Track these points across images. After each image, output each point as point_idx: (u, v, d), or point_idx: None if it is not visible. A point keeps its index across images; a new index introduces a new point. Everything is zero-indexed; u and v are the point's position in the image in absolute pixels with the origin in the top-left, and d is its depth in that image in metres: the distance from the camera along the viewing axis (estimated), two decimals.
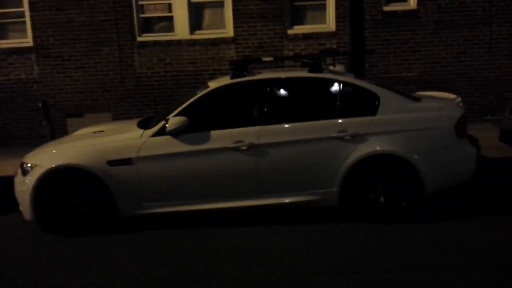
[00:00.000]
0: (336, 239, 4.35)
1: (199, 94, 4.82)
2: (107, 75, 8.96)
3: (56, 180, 4.65)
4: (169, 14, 8.87)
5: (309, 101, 4.85)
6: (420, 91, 7.70)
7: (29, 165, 4.78)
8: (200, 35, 8.88)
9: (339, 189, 4.63)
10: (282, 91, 4.85)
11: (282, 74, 4.97)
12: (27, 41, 8.89)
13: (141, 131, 4.80)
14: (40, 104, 7.10)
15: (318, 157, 4.60)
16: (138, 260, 4.14)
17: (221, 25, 8.93)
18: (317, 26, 8.89)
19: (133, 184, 4.65)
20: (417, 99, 4.92)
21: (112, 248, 4.43)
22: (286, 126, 4.65)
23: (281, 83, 4.86)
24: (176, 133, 4.63)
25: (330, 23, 8.87)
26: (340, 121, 4.63)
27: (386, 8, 8.72)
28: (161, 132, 4.67)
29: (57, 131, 7.71)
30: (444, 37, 8.74)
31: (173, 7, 8.81)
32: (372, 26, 8.68)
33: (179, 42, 8.83)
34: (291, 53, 8.77)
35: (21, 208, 4.83)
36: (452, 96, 5.20)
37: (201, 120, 4.72)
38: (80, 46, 8.86)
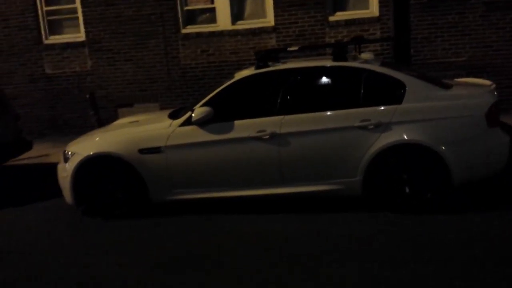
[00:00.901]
0: (356, 229, 4.35)
1: (224, 85, 4.95)
2: (154, 67, 9.31)
3: (92, 167, 4.98)
4: (212, 6, 9.03)
5: (332, 90, 4.83)
6: (468, 77, 7.43)
7: (69, 153, 5.15)
8: (241, 25, 8.98)
9: (362, 179, 4.59)
10: (305, 81, 4.86)
11: (306, 64, 4.97)
12: (80, 35, 9.42)
13: (170, 121, 5.01)
14: (87, 96, 7.54)
15: (341, 146, 4.58)
16: (161, 244, 4.37)
17: (262, 14, 8.98)
18: (359, 11, 8.70)
19: (162, 171, 4.87)
20: (447, 87, 4.75)
21: (140, 231, 4.70)
22: (309, 115, 4.66)
23: (304, 72, 4.87)
24: (201, 123, 4.79)
25: (373, 8, 8.65)
26: (363, 110, 4.58)
27: None
28: (188, 122, 4.85)
29: (109, 121, 8.16)
30: (495, 20, 8.25)
31: None
32: (417, 10, 8.36)
33: (221, 33, 8.99)
34: (332, 40, 8.66)
35: (63, 193, 5.22)
36: (487, 83, 4.96)
37: (225, 110, 4.84)
38: (129, 39, 9.26)
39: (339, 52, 4.83)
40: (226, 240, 4.32)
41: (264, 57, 4.96)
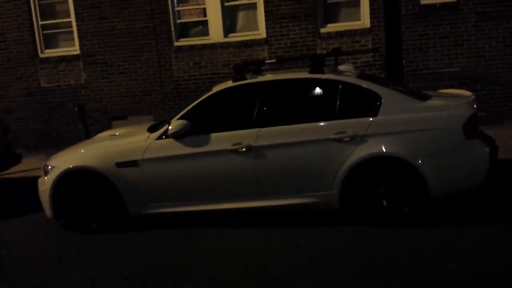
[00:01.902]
0: (331, 243, 4.27)
1: (201, 98, 4.94)
2: (147, 80, 9.36)
3: (70, 180, 4.97)
4: (204, 19, 9.08)
5: (309, 103, 4.79)
6: (461, 87, 7.34)
7: (49, 166, 5.15)
8: (233, 37, 9.01)
9: (339, 192, 4.52)
10: (282, 93, 4.82)
11: (282, 76, 4.95)
12: (75, 49, 9.51)
13: (148, 134, 5.00)
14: (76, 109, 7.57)
15: (317, 159, 4.53)
16: (135, 258, 4.33)
17: (254, 27, 9.00)
18: (351, 23, 8.68)
19: (139, 184, 4.85)
20: (425, 98, 4.68)
21: (116, 245, 4.67)
22: (284, 128, 4.62)
23: (280, 85, 4.84)
24: (177, 136, 4.77)
25: (364, 20, 8.63)
26: (339, 122, 4.52)
27: (423, 2, 8.31)
28: (165, 135, 4.83)
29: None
30: (488, 30, 8.16)
31: (207, 11, 9.01)
32: (409, 21, 8.32)
33: (213, 46, 9.02)
34: (324, 52, 8.63)
35: (43, 206, 5.21)
36: (467, 94, 4.89)
37: (202, 123, 4.82)
38: (122, 52, 9.33)
39: (316, 64, 4.79)
40: (200, 254, 4.27)
41: (241, 70, 4.95)
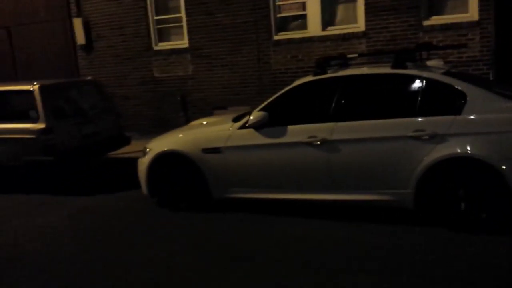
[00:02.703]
0: (398, 242, 4.21)
1: (282, 91, 5.11)
2: (246, 72, 9.76)
3: (163, 162, 5.49)
4: (303, 12, 9.19)
5: (388, 98, 4.71)
6: None
7: (147, 149, 5.74)
8: (331, 31, 9.00)
9: (414, 191, 4.41)
10: (360, 88, 4.81)
11: (363, 71, 4.91)
12: (184, 42, 10.24)
13: (232, 123, 5.32)
14: (178, 98, 8.20)
15: (393, 156, 4.46)
16: (211, 238, 4.69)
17: (353, 19, 8.89)
18: (457, 15, 8.16)
19: (221, 170, 5.20)
20: None
21: (197, 224, 5.08)
22: (361, 123, 4.61)
23: (359, 80, 4.82)
24: (257, 127, 5.02)
25: (472, 12, 8.05)
26: (418, 119, 4.40)
27: None
28: (246, 125, 5.11)
29: None
30: None
31: (306, 5, 9.11)
32: None
33: (311, 39, 9.10)
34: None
35: (141, 184, 5.82)
36: None
37: (281, 115, 5.00)
38: (225, 46, 9.84)
39: (399, 59, 4.69)
40: (269, 240, 4.49)
41: (322, 64, 5.02)
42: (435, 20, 8.31)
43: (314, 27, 9.11)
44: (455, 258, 3.84)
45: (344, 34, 8.86)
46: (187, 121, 8.14)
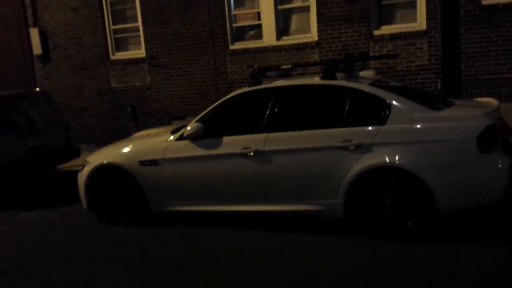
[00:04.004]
0: (326, 252, 4.24)
1: (217, 102, 5.12)
2: (204, 82, 9.76)
3: (101, 175, 5.43)
4: (258, 22, 9.25)
5: (318, 109, 4.75)
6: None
7: (87, 162, 5.67)
8: (286, 40, 9.07)
9: (343, 201, 4.45)
10: (292, 99, 4.85)
11: (295, 82, 4.96)
12: (141, 52, 10.19)
13: (169, 135, 5.29)
14: (128, 109, 8.14)
15: (322, 166, 4.50)
16: (146, 250, 4.65)
17: (307, 29, 8.98)
18: (406, 25, 8.31)
19: (159, 183, 5.16)
20: (441, 108, 4.43)
21: (132, 238, 5.02)
22: (292, 134, 4.64)
23: (291, 90, 4.86)
24: (193, 138, 5.00)
25: (420, 21, 8.22)
26: (346, 130, 4.45)
27: (484, 2, 7.72)
28: (182, 137, 5.10)
29: None
30: None
31: (261, 15, 9.17)
32: (468, 22, 7.78)
33: (266, 49, 9.15)
34: (377, 54, 8.37)
35: (80, 198, 5.73)
36: (494, 103, 4.54)
37: (216, 126, 5.00)
38: (182, 55, 9.82)
39: (328, 70, 4.75)
40: (203, 251, 4.49)
41: (256, 75, 5.05)
42: (385, 29, 8.46)
43: (269, 37, 9.17)
44: (374, 267, 3.87)
45: (298, 44, 8.94)
46: (138, 132, 8.06)
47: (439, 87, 7.95)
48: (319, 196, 4.54)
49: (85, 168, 5.57)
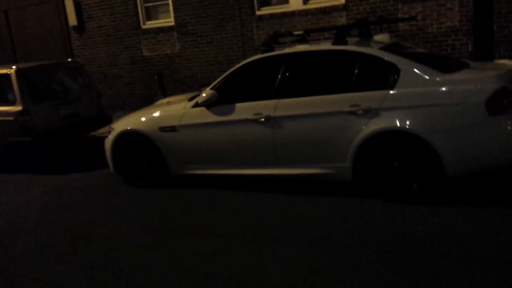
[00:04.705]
0: (332, 213, 4.35)
1: (231, 70, 5.22)
2: (231, 49, 9.83)
3: (124, 141, 5.71)
4: None
5: (327, 75, 4.76)
6: None
7: (112, 128, 5.96)
8: (312, 4, 8.94)
9: (352, 164, 4.51)
10: (302, 65, 4.87)
11: (306, 48, 4.96)
12: (170, 20, 10.33)
13: (186, 102, 5.47)
14: (156, 77, 8.36)
15: (331, 131, 4.55)
16: (159, 212, 4.92)
17: None
18: None
19: (177, 148, 5.38)
20: (451, 71, 4.33)
21: (152, 200, 5.31)
22: (302, 99, 4.70)
23: (302, 56, 4.88)
24: (207, 105, 5.16)
25: None
26: (354, 95, 4.46)
27: None
28: (198, 104, 5.26)
29: None
30: None
31: None
32: None
33: (292, 13, 9.07)
34: (406, 17, 8.12)
35: (108, 162, 6.07)
36: (509, 64, 4.40)
37: (230, 93, 5.12)
38: (210, 23, 9.89)
39: (339, 35, 4.72)
40: (213, 214, 4.70)
41: (268, 42, 5.08)
42: None
43: (295, 1, 9.06)
44: (378, 227, 3.95)
45: (325, 7, 8.80)
46: None
47: (470, 48, 7.69)
48: (328, 160, 4.62)
49: (110, 134, 5.87)
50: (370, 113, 4.35)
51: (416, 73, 4.29)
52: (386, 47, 4.62)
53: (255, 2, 9.40)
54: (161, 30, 10.45)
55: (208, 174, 5.32)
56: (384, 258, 3.47)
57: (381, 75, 4.41)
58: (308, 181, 4.95)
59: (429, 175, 4.20)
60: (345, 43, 4.69)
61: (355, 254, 3.57)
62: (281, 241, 3.94)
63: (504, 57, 7.47)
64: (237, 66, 5.20)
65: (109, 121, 8.14)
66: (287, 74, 4.84)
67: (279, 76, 4.85)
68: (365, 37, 4.93)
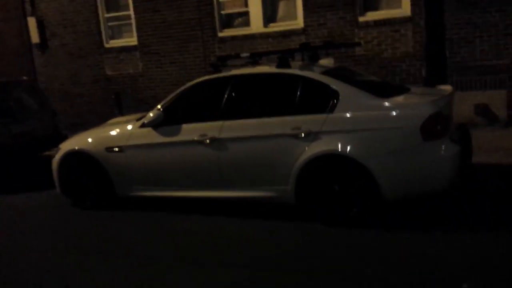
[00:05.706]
0: (279, 236, 4.36)
1: (178, 90, 5.21)
2: (193, 69, 9.85)
3: (70, 161, 5.61)
4: (246, 9, 9.26)
5: (271, 97, 4.81)
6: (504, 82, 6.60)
7: (59, 148, 5.85)
8: (273, 27, 9.08)
9: (294, 187, 4.51)
10: (247, 87, 4.91)
11: (251, 70, 5.01)
12: (133, 40, 10.32)
13: (134, 122, 5.42)
14: (113, 96, 8.30)
15: (273, 154, 4.56)
16: (97, 234, 4.83)
17: (293, 16, 8.97)
18: (391, 11, 8.23)
19: (124, 169, 5.31)
20: (389, 96, 4.42)
21: (93, 222, 5.20)
22: (246, 121, 4.71)
23: (247, 79, 4.92)
24: (153, 126, 5.12)
25: (405, 7, 8.12)
26: (295, 118, 4.49)
27: None
28: (145, 124, 5.21)
29: None
30: None
31: (249, 2, 9.17)
32: (453, 8, 7.65)
33: (253, 36, 9.18)
34: (362, 41, 8.31)
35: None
36: (447, 90, 4.52)
37: (177, 114, 5.10)
38: (173, 43, 9.92)
39: (282, 58, 4.78)
40: (150, 236, 4.67)
41: (215, 63, 5.11)
42: (370, 16, 8.38)
43: (256, 24, 9.19)
44: (313, 252, 3.96)
45: (285, 31, 8.94)
46: None
47: (423, 74, 7.89)
48: (271, 183, 4.62)
49: (57, 154, 5.75)
50: (311, 136, 4.39)
51: (355, 97, 4.36)
52: (328, 72, 4.69)
53: (217, 24, 9.50)
54: (124, 49, 10.43)
55: (154, 196, 5.25)
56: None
57: (321, 99, 4.47)
58: (255, 204, 4.93)
59: (368, 199, 4.24)
60: (288, 66, 4.75)
61: (304, 279, 3.54)
62: (223, 265, 3.89)
63: (456, 83, 7.70)
64: (184, 87, 5.20)
65: (64, 140, 7.99)
66: (233, 95, 4.86)
67: (225, 98, 4.87)
68: (312, 61, 5.00)
